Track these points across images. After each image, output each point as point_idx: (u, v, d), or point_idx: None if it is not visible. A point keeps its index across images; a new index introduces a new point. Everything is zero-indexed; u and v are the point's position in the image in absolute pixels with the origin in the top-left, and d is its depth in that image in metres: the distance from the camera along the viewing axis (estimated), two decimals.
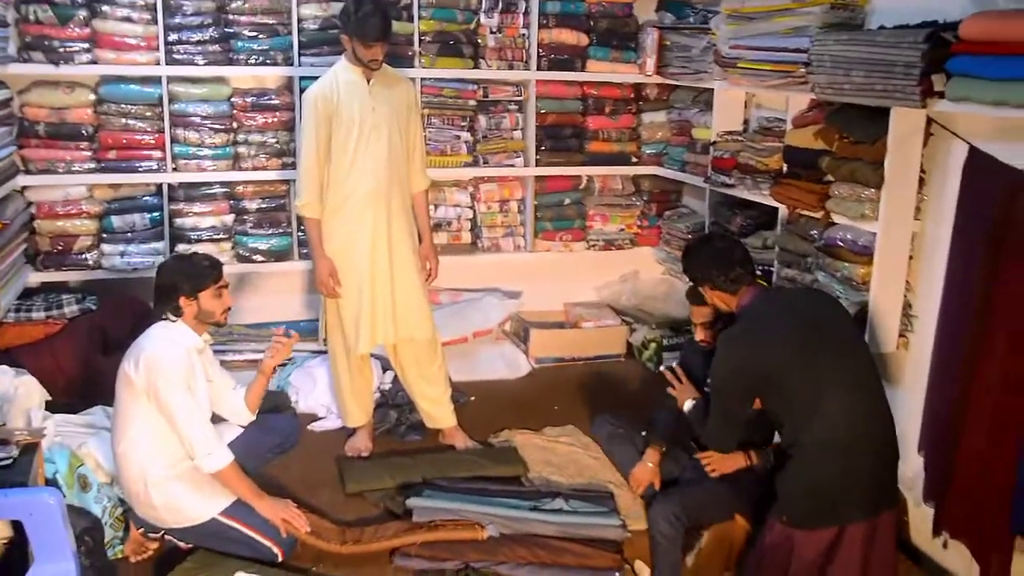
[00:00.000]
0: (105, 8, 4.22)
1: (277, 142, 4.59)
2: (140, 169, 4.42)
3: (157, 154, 4.43)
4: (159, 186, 4.50)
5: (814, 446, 2.76)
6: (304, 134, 3.67)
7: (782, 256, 3.80)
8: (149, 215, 4.49)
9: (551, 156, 5.01)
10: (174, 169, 4.47)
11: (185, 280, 3.05)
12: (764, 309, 2.96)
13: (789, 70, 3.63)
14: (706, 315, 3.31)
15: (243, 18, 4.44)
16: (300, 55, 4.51)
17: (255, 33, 4.47)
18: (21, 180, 4.23)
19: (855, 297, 3.33)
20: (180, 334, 3.06)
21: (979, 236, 2.81)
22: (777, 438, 3.18)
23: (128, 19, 4.27)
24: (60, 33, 4.17)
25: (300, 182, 3.70)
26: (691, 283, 3.21)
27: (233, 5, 4.42)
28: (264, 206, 4.67)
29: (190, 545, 3.11)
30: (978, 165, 2.86)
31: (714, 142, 4.39)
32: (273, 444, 3.46)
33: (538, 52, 4.86)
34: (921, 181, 3.24)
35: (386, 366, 4.35)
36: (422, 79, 4.68)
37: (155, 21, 4.29)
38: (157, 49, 4.31)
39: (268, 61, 4.50)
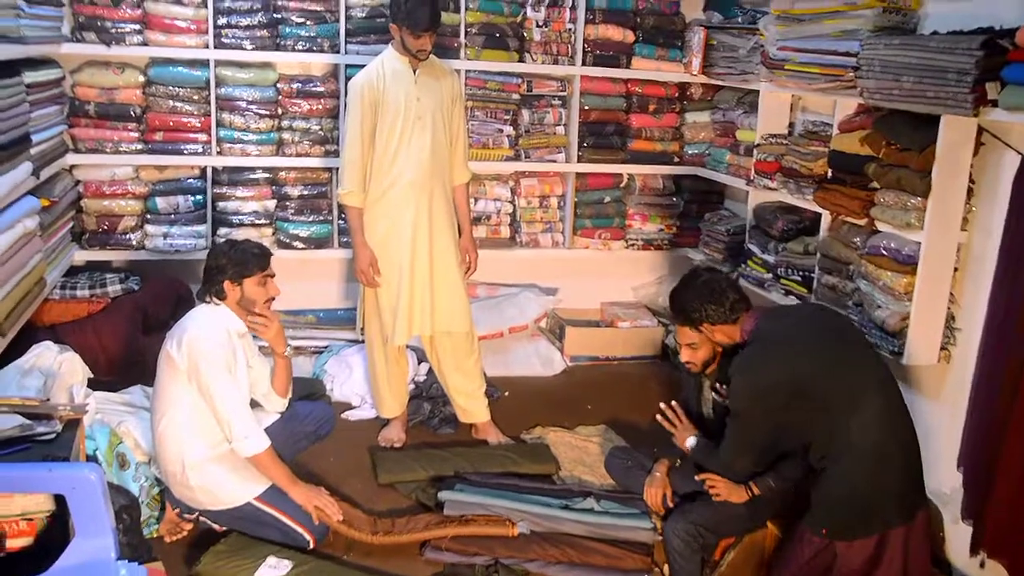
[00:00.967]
0: None
1: (321, 129, 4.61)
2: (185, 152, 4.47)
3: (203, 137, 4.48)
4: (203, 169, 4.54)
5: (849, 454, 2.72)
6: (349, 122, 3.68)
7: (823, 263, 3.76)
8: (193, 198, 4.54)
9: (593, 153, 4.99)
10: (219, 153, 4.51)
11: (231, 265, 3.08)
12: (774, 327, 2.89)
13: (838, 74, 3.59)
14: (691, 337, 3.05)
15: (291, 4, 4.47)
16: (346, 43, 4.53)
17: (303, 19, 4.49)
18: (70, 159, 4.30)
19: (897, 307, 3.29)
20: (224, 317, 3.09)
21: None
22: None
23: (179, 1, 4.33)
24: (112, 14, 4.23)
25: (343, 170, 3.72)
26: (686, 325, 3.02)
27: None
28: (306, 193, 4.70)
29: (224, 528, 3.14)
30: None
31: (758, 144, 4.35)
32: (308, 432, 3.48)
33: (584, 47, 4.84)
34: (969, 191, 3.18)
35: (422, 358, 4.37)
36: (467, 71, 4.68)
37: (205, 4, 4.34)
38: (206, 32, 4.37)
39: (315, 48, 4.53)
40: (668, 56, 4.98)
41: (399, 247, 3.71)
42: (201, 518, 3.17)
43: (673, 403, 3.23)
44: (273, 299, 3.21)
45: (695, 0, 5.06)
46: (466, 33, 4.68)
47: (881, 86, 3.25)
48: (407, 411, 4.08)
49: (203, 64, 4.42)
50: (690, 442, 3.12)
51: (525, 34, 4.80)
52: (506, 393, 4.51)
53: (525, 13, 4.78)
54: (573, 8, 4.83)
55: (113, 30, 4.24)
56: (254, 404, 3.20)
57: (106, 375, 3.76)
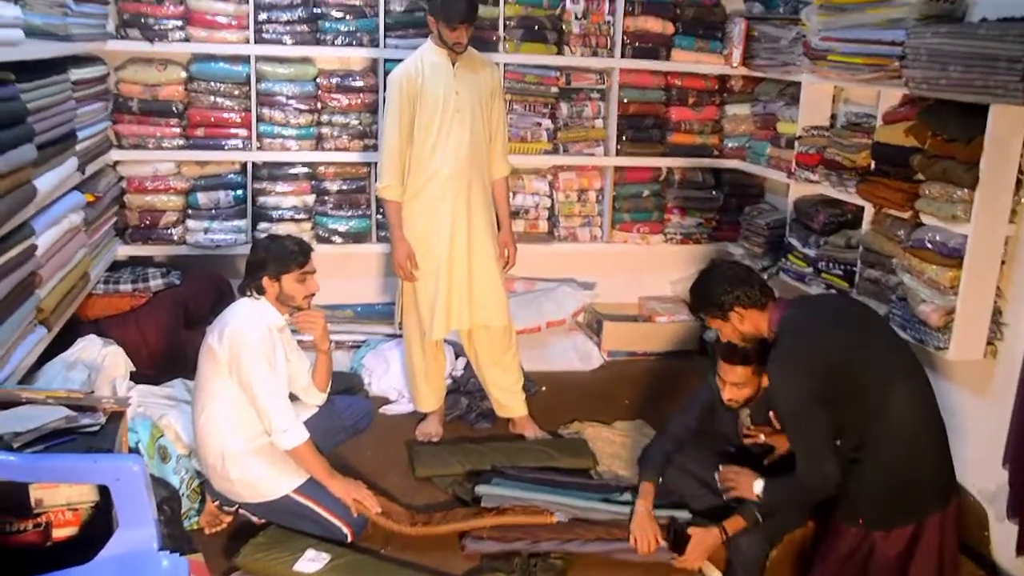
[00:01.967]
0: None
1: (360, 124, 4.63)
2: (226, 147, 4.52)
3: (243, 132, 4.52)
4: (244, 165, 4.58)
5: (884, 442, 2.67)
6: (388, 115, 3.69)
7: (866, 256, 3.70)
8: (233, 193, 4.58)
9: (632, 146, 4.96)
10: (259, 148, 4.54)
11: (271, 260, 3.10)
12: (804, 315, 2.83)
13: (882, 63, 3.52)
14: (740, 376, 2.97)
15: None
16: (386, 37, 4.54)
17: (342, 14, 4.51)
18: (114, 155, 4.35)
19: (942, 302, 3.23)
20: (264, 311, 3.11)
21: None
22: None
23: None
24: (156, 11, 4.27)
25: (382, 164, 3.73)
26: (715, 317, 2.93)
27: None
28: (345, 187, 4.72)
29: (263, 520, 3.17)
30: None
31: (799, 137, 4.29)
32: (346, 426, 3.50)
33: (623, 40, 4.81)
34: (1018, 183, 3.11)
35: (459, 352, 4.38)
36: (505, 64, 4.66)
37: (246, 0, 4.37)
38: (247, 28, 4.39)
39: (354, 42, 4.54)
40: (708, 48, 4.93)
41: (437, 241, 3.71)
42: (240, 511, 3.20)
43: (720, 468, 3.10)
44: (313, 295, 3.23)
45: None
46: (504, 26, 4.67)
47: (927, 76, 3.18)
48: (444, 405, 4.09)
49: (244, 60, 4.45)
50: (758, 487, 2.92)
51: (564, 26, 4.77)
52: (543, 388, 4.50)
53: (564, 5, 4.75)
54: (612, 0, 4.79)
55: (156, 27, 4.28)
56: (293, 398, 3.22)
57: (148, 369, 3.81)
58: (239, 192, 4.59)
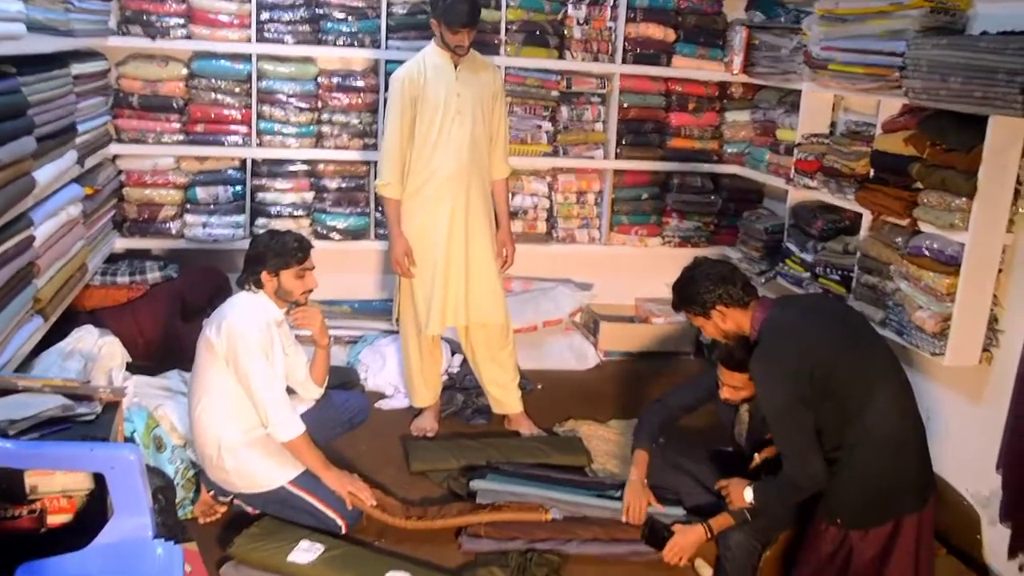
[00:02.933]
0: None
1: (360, 123, 4.64)
2: (226, 143, 4.53)
3: (243, 129, 4.53)
4: (243, 161, 4.60)
5: (864, 444, 2.68)
6: (389, 115, 3.70)
7: (863, 262, 3.71)
8: (232, 188, 4.59)
9: (631, 150, 4.98)
10: (258, 145, 4.56)
11: (270, 256, 3.10)
12: (788, 315, 2.83)
13: (882, 74, 3.55)
14: (738, 381, 2.97)
15: (333, 0, 4.50)
16: (387, 38, 4.55)
17: (344, 15, 4.53)
18: (113, 148, 4.36)
19: (938, 308, 3.24)
20: (262, 305, 3.12)
21: None
22: None
23: None
24: (158, 8, 4.29)
25: (382, 162, 3.74)
26: (697, 315, 2.95)
27: None
28: (344, 185, 4.73)
29: (257, 511, 3.17)
30: None
31: (798, 144, 4.31)
32: (343, 420, 3.51)
33: (624, 46, 4.83)
34: (1016, 193, 3.14)
35: (455, 349, 4.39)
36: (506, 68, 4.68)
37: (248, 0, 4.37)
38: (249, 27, 4.41)
39: (355, 43, 4.56)
40: (709, 55, 4.95)
41: (435, 239, 3.72)
42: (235, 501, 3.20)
43: (720, 482, 3.09)
44: (311, 291, 3.23)
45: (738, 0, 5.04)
46: (506, 30, 4.68)
47: (928, 86, 3.21)
48: (440, 401, 4.10)
49: (245, 58, 4.46)
50: (748, 494, 2.91)
51: (565, 31, 4.80)
52: (539, 386, 4.51)
53: (566, 11, 4.78)
54: (614, 6, 4.81)
55: (158, 24, 4.30)
56: (290, 392, 3.22)
57: (144, 360, 3.82)
58: (238, 188, 4.60)
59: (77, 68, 3.61)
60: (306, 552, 2.89)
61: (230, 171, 4.61)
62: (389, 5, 4.54)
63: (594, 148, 4.96)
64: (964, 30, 3.41)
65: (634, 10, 4.81)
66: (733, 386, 3.02)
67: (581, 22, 4.81)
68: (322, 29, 4.52)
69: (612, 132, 4.93)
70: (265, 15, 4.42)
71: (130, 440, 3.02)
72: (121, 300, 4.13)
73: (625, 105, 4.92)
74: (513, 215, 4.84)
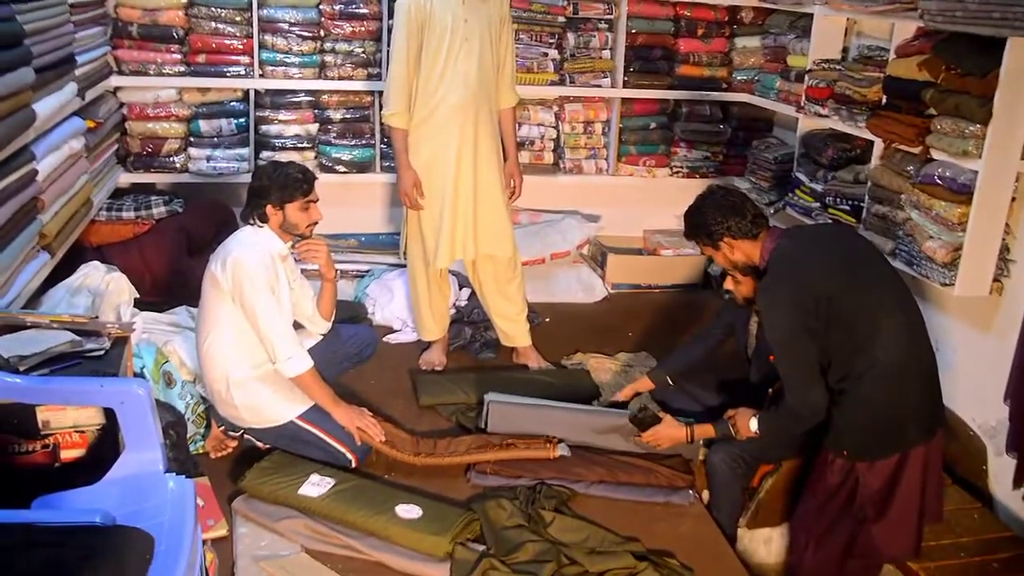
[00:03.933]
0: None
1: (364, 52, 4.56)
2: (228, 74, 4.46)
3: (245, 60, 4.46)
4: (246, 92, 4.54)
5: (871, 374, 2.66)
6: (395, 42, 3.63)
7: (874, 192, 3.67)
8: (235, 121, 4.55)
9: (639, 78, 4.90)
10: (261, 76, 4.49)
11: (274, 189, 3.07)
12: (795, 245, 2.80)
13: None
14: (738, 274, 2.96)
15: None
16: None
17: None
18: (114, 80, 4.30)
19: (949, 238, 3.21)
20: (266, 239, 3.09)
21: None
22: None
23: None
24: None
25: (389, 91, 3.68)
26: (706, 245, 2.93)
27: None
28: (348, 116, 4.68)
29: (268, 445, 3.19)
30: None
31: (810, 70, 4.22)
32: (351, 353, 3.51)
33: None
34: None
35: (463, 283, 4.38)
36: None
37: None
38: None
39: None
40: None
41: (443, 170, 3.68)
42: (245, 436, 3.22)
43: (728, 412, 3.05)
44: (316, 223, 3.21)
45: None
46: None
47: (943, 7, 3.12)
48: (448, 335, 4.10)
49: None
50: (754, 424, 2.90)
51: None
52: (547, 319, 4.51)
53: None
54: None
55: None
56: (297, 326, 3.22)
57: (152, 296, 3.82)
58: (241, 120, 4.55)
59: None
60: (316, 486, 2.92)
61: (233, 103, 4.55)
62: None
63: (601, 76, 4.88)
64: None
65: None
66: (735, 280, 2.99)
67: None
68: None
69: (620, 59, 4.84)
70: None
71: (139, 376, 3.03)
72: (127, 235, 4.13)
73: (633, 31, 4.83)
74: (520, 146, 4.78)
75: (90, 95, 3.78)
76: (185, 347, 3.32)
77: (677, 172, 5.12)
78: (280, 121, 4.60)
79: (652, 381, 3.44)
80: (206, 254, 3.20)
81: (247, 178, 3.80)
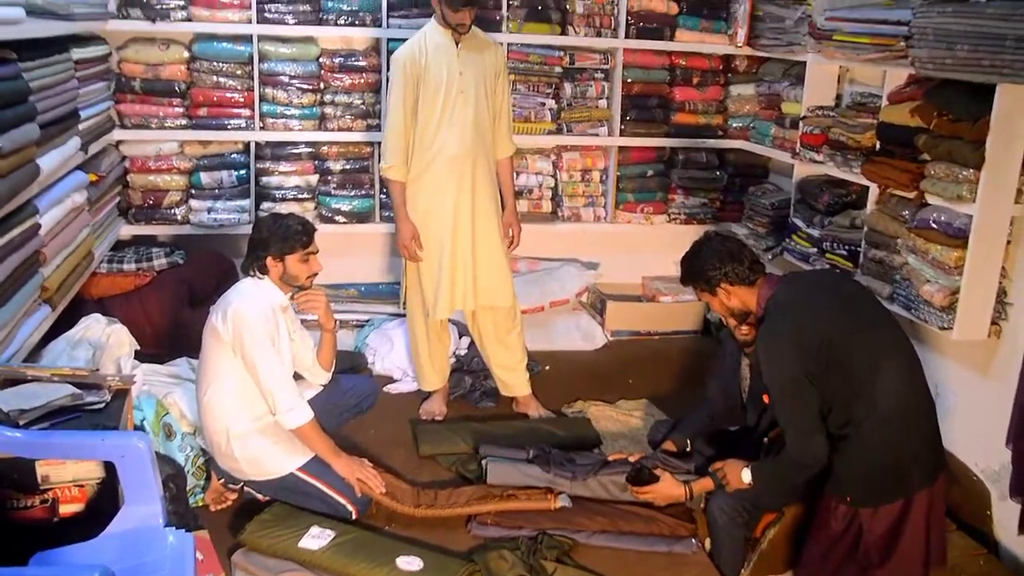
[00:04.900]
0: None
1: (363, 103, 4.62)
2: (229, 127, 4.51)
3: (246, 112, 4.51)
4: (247, 144, 4.58)
5: (872, 419, 2.65)
6: (392, 96, 3.68)
7: (870, 236, 3.69)
8: (236, 173, 4.58)
9: (636, 126, 4.94)
10: (262, 128, 4.54)
11: (274, 240, 3.09)
12: (793, 292, 2.81)
13: (888, 43, 3.50)
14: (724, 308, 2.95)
15: None
16: (388, 16, 4.52)
17: None
18: (117, 134, 4.35)
19: (946, 282, 3.22)
20: (267, 291, 3.11)
21: None
22: None
23: None
24: None
25: (386, 144, 3.72)
26: (703, 291, 2.93)
27: None
28: (348, 167, 4.72)
29: (268, 498, 3.18)
30: None
31: (804, 117, 4.27)
32: (351, 404, 3.51)
33: (627, 20, 4.77)
34: None
35: (463, 332, 4.38)
36: (508, 44, 4.64)
37: None
38: (249, 8, 4.38)
39: (356, 22, 4.52)
40: (713, 28, 4.90)
41: (441, 221, 3.71)
42: (246, 488, 3.21)
43: (714, 464, 3.04)
44: (316, 275, 3.23)
45: None
46: (508, 6, 4.64)
47: (934, 55, 3.17)
48: (448, 384, 4.10)
49: (246, 39, 4.44)
50: (746, 476, 2.87)
51: (567, 6, 4.74)
52: (547, 367, 4.51)
53: None
54: None
55: (158, 6, 4.27)
56: (297, 377, 3.22)
57: (152, 348, 3.82)
58: (242, 172, 4.59)
59: (78, 53, 3.59)
60: (317, 538, 2.90)
61: (234, 155, 4.60)
62: None
63: (598, 125, 4.93)
64: None
65: None
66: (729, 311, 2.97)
67: None
68: (322, 8, 4.48)
69: (616, 108, 4.89)
70: None
71: (139, 428, 3.03)
72: (128, 288, 4.14)
73: (629, 80, 4.89)
74: (518, 194, 4.81)
75: (93, 149, 3.82)
76: (185, 399, 3.32)
77: (675, 219, 5.15)
78: (280, 172, 4.64)
79: (675, 445, 3.35)
80: (207, 306, 3.21)
81: (248, 229, 3.82)
